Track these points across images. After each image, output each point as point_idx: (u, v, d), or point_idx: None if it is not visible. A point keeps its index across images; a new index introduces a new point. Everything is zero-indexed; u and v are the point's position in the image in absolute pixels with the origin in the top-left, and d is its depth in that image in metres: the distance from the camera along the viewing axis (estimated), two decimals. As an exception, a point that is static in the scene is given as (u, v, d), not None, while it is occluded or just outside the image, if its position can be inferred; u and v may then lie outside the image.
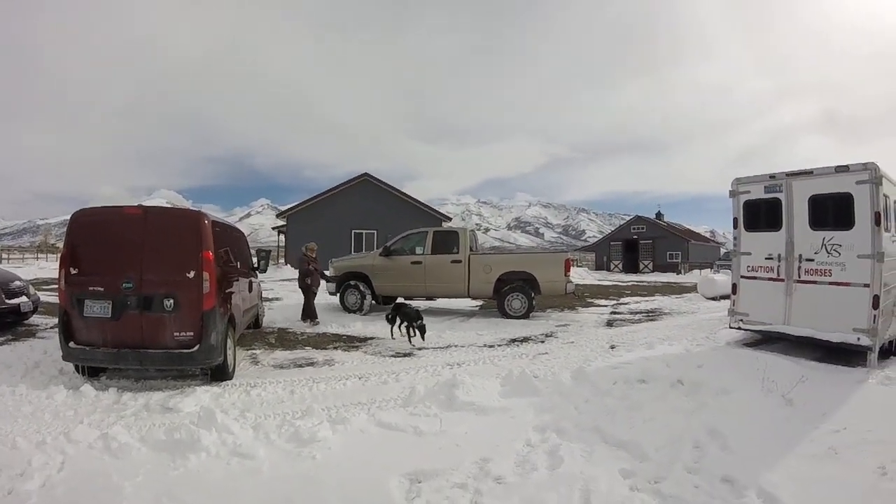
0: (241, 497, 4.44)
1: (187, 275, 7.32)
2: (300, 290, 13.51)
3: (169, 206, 13.23)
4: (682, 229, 65.43)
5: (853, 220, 8.05)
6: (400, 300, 12.38)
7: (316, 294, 13.65)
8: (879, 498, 4.39)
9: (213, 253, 7.55)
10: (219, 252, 7.89)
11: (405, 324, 10.94)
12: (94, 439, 5.25)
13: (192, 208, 8.93)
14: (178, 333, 7.32)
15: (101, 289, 7.26)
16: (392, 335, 11.15)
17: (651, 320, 14.71)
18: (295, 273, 29.50)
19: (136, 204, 7.98)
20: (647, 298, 21.64)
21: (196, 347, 7.30)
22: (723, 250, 62.67)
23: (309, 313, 13.19)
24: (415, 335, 10.80)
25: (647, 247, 57.23)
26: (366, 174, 35.67)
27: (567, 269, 14.68)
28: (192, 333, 7.31)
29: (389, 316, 11.35)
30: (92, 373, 7.74)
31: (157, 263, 7.33)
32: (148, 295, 7.27)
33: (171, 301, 7.28)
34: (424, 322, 10.89)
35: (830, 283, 8.29)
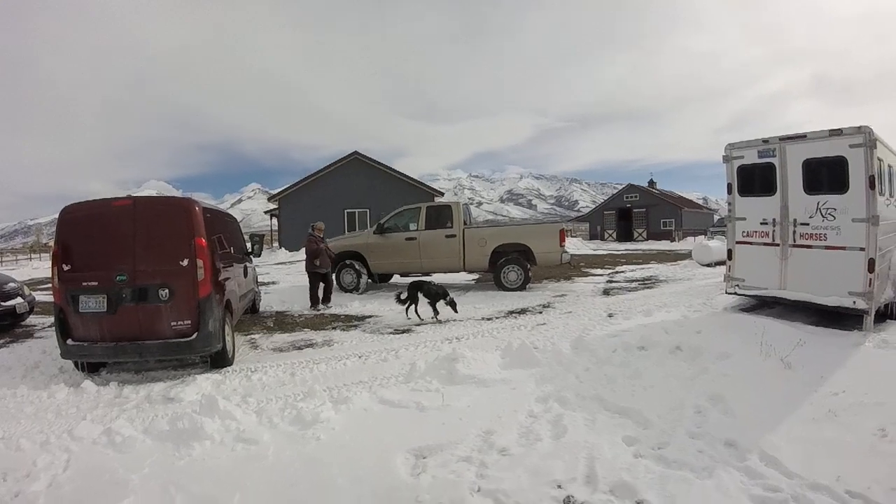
0: (247, 482, 4.44)
1: (181, 263, 7.27)
2: (307, 273, 13.08)
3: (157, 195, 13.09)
4: (675, 197, 65.40)
5: (847, 184, 8.04)
6: (418, 278, 12.31)
7: (329, 275, 13.35)
8: (879, 459, 4.43)
9: (206, 239, 7.49)
10: (211, 238, 7.82)
11: (430, 301, 10.85)
12: (98, 435, 5.25)
13: (182, 196, 8.87)
14: (175, 323, 7.28)
15: (95, 283, 7.21)
16: (408, 315, 10.87)
17: (647, 288, 14.76)
18: (290, 256, 29.45)
19: (124, 195, 7.89)
20: (642, 266, 21.69)
21: (194, 336, 7.27)
22: (716, 217, 62.77)
23: (318, 297, 12.92)
24: (437, 313, 10.81)
25: (640, 215, 57.23)
26: (356, 153, 35.32)
27: (562, 240, 14.65)
28: (189, 322, 7.28)
29: (404, 296, 10.98)
30: (92, 368, 7.73)
31: (150, 254, 7.28)
32: (142, 286, 7.22)
33: (166, 291, 7.23)
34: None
35: (826, 247, 8.30)
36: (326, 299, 13.03)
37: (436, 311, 10.77)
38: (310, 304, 12.79)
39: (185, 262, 7.28)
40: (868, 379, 5.96)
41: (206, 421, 5.27)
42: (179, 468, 4.71)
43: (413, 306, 10.87)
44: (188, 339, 7.28)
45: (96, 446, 5.09)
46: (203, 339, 7.32)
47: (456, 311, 10.83)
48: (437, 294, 10.80)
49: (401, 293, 11.09)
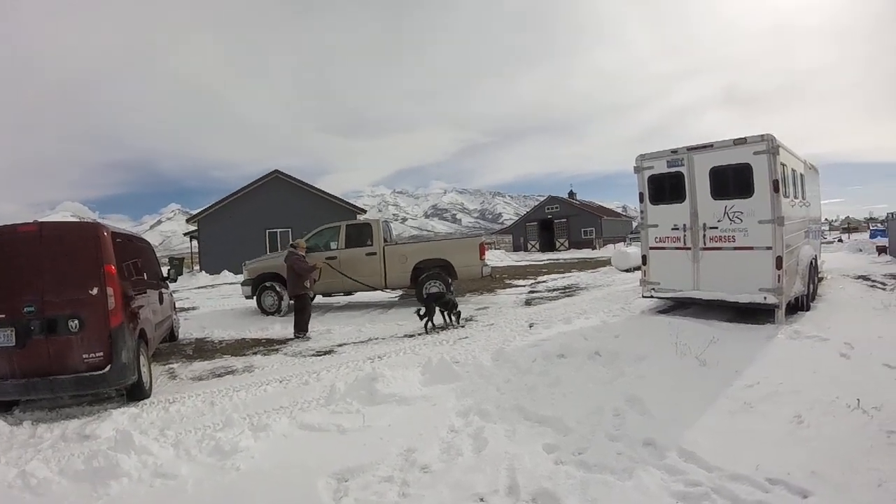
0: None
1: (90, 292, 6.97)
2: (293, 297, 11.93)
3: (73, 219, 12.52)
4: (594, 206, 66.95)
5: (753, 189, 8.54)
6: (435, 290, 12.93)
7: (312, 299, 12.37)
8: (798, 445, 4.66)
9: (116, 266, 7.24)
10: (122, 265, 7.59)
11: (444, 311, 11.20)
12: (13, 478, 5.03)
13: (89, 221, 8.57)
14: (87, 355, 6.96)
15: (3, 316, 6.83)
16: (427, 330, 11.06)
17: (568, 296, 15.07)
18: (211, 279, 28.83)
19: (31, 220, 7.55)
20: (563, 275, 22.10)
21: (107, 368, 6.97)
22: (634, 224, 64.51)
23: (303, 325, 11.58)
24: (452, 321, 11.32)
25: (561, 225, 58.44)
26: (276, 171, 34.85)
27: (482, 253, 14.86)
28: (101, 354, 6.99)
29: (422, 311, 11.18)
30: (4, 407, 7.28)
31: (58, 282, 6.95)
32: (51, 317, 6.86)
33: (77, 321, 6.91)
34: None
35: (735, 248, 8.76)
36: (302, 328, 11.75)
37: (450, 320, 11.25)
38: (296, 332, 11.50)
39: (95, 291, 6.98)
40: (782, 369, 6.29)
41: (122, 458, 5.12)
42: (97, 509, 4.57)
43: (430, 320, 11.13)
44: (101, 371, 6.95)
45: (12, 490, 4.89)
46: (117, 371, 7.02)
47: (459, 322, 11.38)
48: (451, 304, 11.33)
49: (419, 309, 11.29)
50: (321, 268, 12.74)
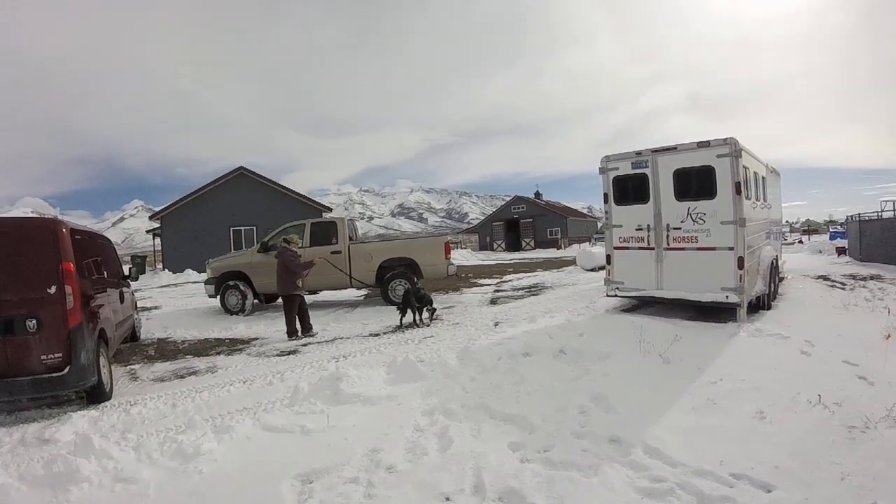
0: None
1: (48, 290, 6.75)
2: (283, 297, 11.28)
3: (32, 215, 12.15)
4: (560, 207, 67.46)
5: (715, 191, 8.68)
6: (410, 285, 12.84)
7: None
8: (760, 440, 4.73)
9: (75, 264, 7.03)
10: (82, 262, 7.42)
11: (419, 307, 11.24)
12: (-29, 484, 4.90)
13: (47, 216, 8.34)
14: (45, 356, 6.74)
15: None
16: (401, 324, 11.32)
17: (533, 295, 15.17)
18: (174, 278, 28.44)
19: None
20: (529, 274, 22.23)
21: (66, 370, 6.75)
22: (599, 224, 65.14)
23: (302, 324, 11.16)
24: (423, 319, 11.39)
25: (527, 225, 58.77)
26: (241, 168, 34.48)
27: (447, 252, 14.90)
28: (60, 355, 6.78)
29: (401, 307, 11.45)
30: (-38, 412, 7.09)
31: (14, 281, 6.70)
32: (7, 317, 6.62)
33: (34, 321, 6.67)
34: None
35: (697, 249, 8.89)
36: (309, 326, 11.31)
37: (421, 318, 11.32)
38: (288, 334, 11.00)
39: (53, 290, 6.76)
40: (744, 366, 6.39)
41: (81, 462, 4.99)
42: (56, 515, 4.47)
43: (410, 313, 11.32)
44: (60, 373, 6.74)
45: (-31, 496, 4.75)
46: (76, 372, 6.82)
47: (431, 320, 11.43)
48: (427, 299, 11.35)
49: (398, 306, 11.56)
50: (317, 263, 12.03)
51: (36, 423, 6.64)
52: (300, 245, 12.73)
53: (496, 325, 10.53)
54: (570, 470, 4.49)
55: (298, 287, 11.13)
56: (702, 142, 8.80)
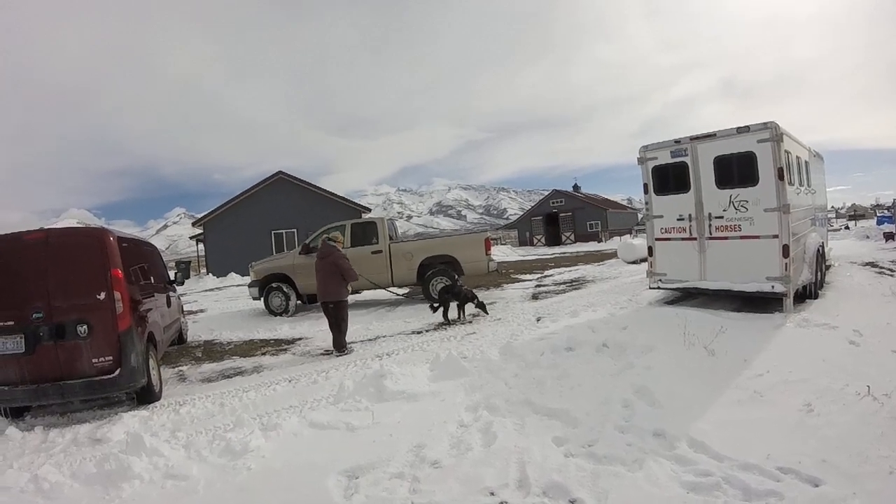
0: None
1: (98, 297, 6.99)
2: (333, 304, 9.70)
3: (78, 225, 12.50)
4: (599, 199, 66.87)
5: (757, 177, 8.50)
6: (448, 283, 12.81)
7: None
8: (808, 433, 4.64)
9: (123, 270, 7.25)
10: (129, 269, 7.62)
11: (459, 304, 11.31)
12: (25, 483, 5.05)
13: (94, 226, 8.57)
14: (96, 360, 6.97)
15: (11, 323, 6.83)
16: (447, 320, 11.32)
17: (575, 289, 15.07)
18: (218, 282, 28.85)
19: (38, 228, 7.56)
20: (570, 268, 22.07)
21: (117, 372, 6.99)
22: (640, 216, 64.51)
23: (343, 340, 9.72)
24: (463, 315, 11.43)
25: (567, 219, 58.38)
26: (280, 172, 34.88)
27: (487, 248, 14.85)
28: (111, 358, 7.01)
29: (436, 305, 11.51)
30: (15, 413, 7.30)
31: (65, 288, 6.97)
32: (60, 323, 6.88)
33: (85, 326, 6.93)
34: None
35: (741, 238, 8.73)
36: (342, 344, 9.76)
37: (464, 313, 11.37)
38: (339, 346, 9.63)
39: (102, 296, 7.00)
40: (791, 358, 6.26)
41: (133, 460, 5.14)
42: (109, 511, 4.59)
43: (445, 310, 11.32)
44: (111, 375, 6.98)
45: (24, 494, 4.91)
46: (127, 374, 7.04)
47: (486, 313, 11.45)
48: (466, 297, 11.32)
49: (433, 304, 11.59)
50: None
51: (88, 424, 6.82)
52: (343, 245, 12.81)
53: (538, 320, 10.47)
54: (615, 464, 4.47)
55: (349, 292, 10.03)
56: (741, 127, 8.65)
